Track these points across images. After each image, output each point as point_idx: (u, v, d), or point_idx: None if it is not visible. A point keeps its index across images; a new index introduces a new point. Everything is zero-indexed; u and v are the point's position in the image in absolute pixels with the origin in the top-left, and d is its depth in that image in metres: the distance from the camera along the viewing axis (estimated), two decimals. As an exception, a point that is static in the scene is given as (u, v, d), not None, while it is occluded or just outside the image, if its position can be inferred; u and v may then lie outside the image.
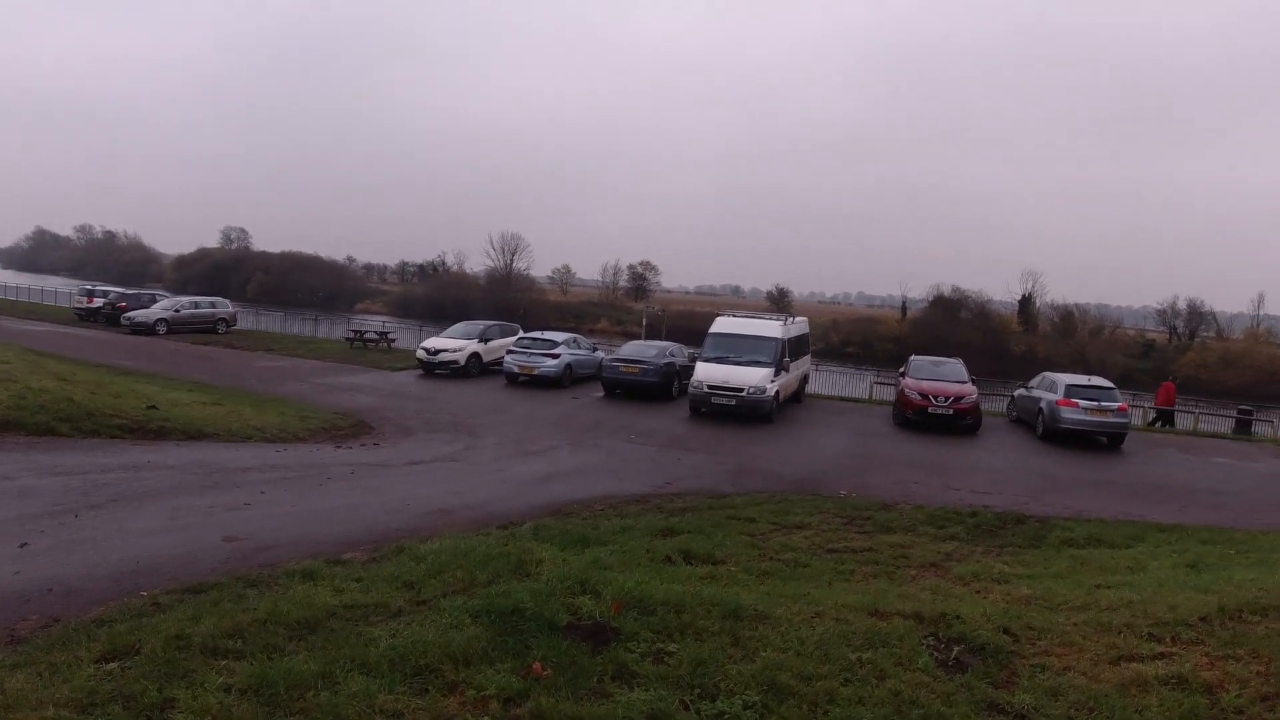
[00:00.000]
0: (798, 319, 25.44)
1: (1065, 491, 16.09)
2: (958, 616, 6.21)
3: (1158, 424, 28.35)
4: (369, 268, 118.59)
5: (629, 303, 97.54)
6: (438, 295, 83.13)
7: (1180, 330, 78.85)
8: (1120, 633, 6.22)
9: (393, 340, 34.66)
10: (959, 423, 21.65)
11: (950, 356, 26.10)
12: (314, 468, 12.80)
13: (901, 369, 24.71)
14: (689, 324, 78.17)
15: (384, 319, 64.43)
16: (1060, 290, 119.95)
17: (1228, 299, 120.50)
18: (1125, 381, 51.14)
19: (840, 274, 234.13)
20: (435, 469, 13.61)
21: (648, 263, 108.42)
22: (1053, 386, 22.29)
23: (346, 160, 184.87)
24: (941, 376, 23.12)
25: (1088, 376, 23.33)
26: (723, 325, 23.45)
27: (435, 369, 26.43)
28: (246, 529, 8.75)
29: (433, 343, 27.31)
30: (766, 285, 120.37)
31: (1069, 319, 76.97)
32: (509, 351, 26.03)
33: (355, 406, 19.77)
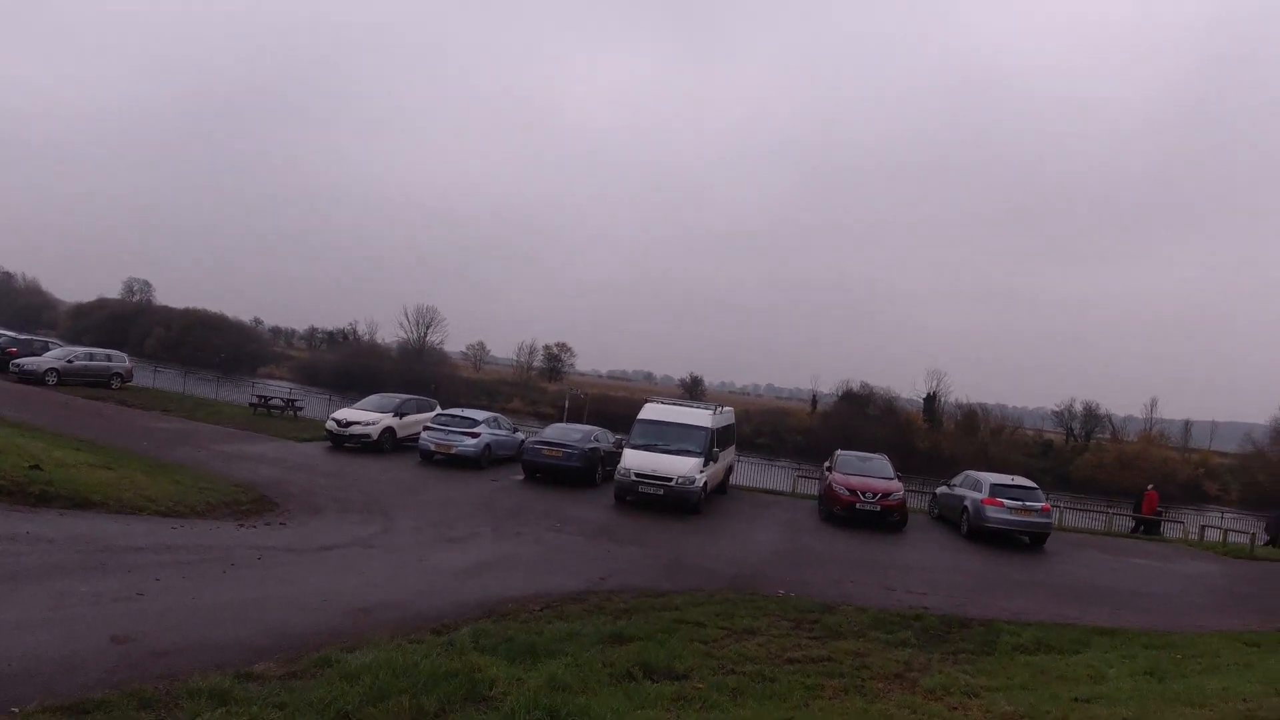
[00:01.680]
0: (725, 408, 25.07)
1: (998, 592, 15.92)
2: None
3: (1140, 530, 28.52)
4: (276, 331, 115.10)
5: (543, 383, 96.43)
6: (347, 364, 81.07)
7: (1076, 431, 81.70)
8: None
9: (299, 409, 32.99)
10: (886, 519, 21.40)
11: (874, 453, 26.04)
12: (215, 550, 11.61)
13: (827, 464, 24.51)
14: (603, 407, 78.00)
15: (289, 385, 62.06)
16: (963, 389, 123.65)
17: (1122, 403, 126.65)
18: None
19: (750, 365, 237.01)
20: (350, 556, 12.49)
21: (563, 344, 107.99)
22: (977, 485, 22.31)
23: (261, 219, 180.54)
24: (868, 472, 22.96)
25: (1011, 476, 23.47)
26: (652, 412, 22.88)
27: (345, 442, 25.05)
28: (139, 626, 7.67)
29: (344, 414, 25.94)
30: (678, 372, 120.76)
31: (972, 418, 79.09)
32: (426, 428, 24.86)
33: (258, 479, 18.37)
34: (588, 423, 31.09)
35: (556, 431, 24.63)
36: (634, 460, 20.57)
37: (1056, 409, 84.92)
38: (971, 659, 10.61)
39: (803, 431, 75.65)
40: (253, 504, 15.74)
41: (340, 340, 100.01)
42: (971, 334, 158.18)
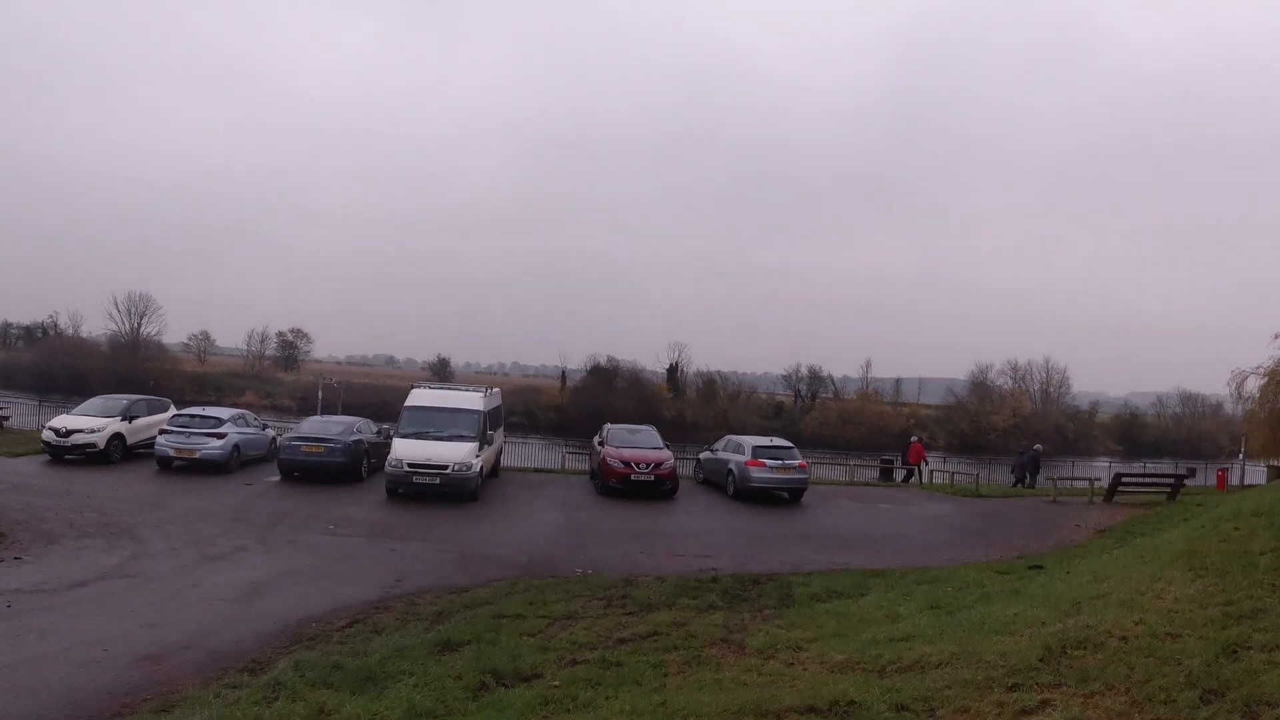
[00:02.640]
0: (493, 390, 24.49)
1: (774, 547, 16.80)
2: (851, 702, 6.01)
3: (911, 479, 30.54)
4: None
5: (278, 373, 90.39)
6: (48, 363, 71.66)
7: (804, 393, 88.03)
8: (989, 688, 6.32)
9: (5, 419, 28.76)
10: (660, 488, 21.91)
11: (640, 425, 26.58)
12: None
13: (597, 438, 24.69)
14: (349, 397, 74.38)
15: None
16: (703, 359, 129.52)
17: (841, 365, 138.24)
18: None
19: (495, 344, 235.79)
20: (110, 591, 10.84)
21: (299, 330, 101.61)
22: (739, 449, 23.37)
23: None
24: (639, 444, 23.38)
25: (769, 438, 24.76)
26: (420, 398, 21.92)
27: (66, 453, 21.86)
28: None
29: (63, 422, 22.59)
30: (421, 354, 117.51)
31: (711, 385, 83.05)
32: (162, 431, 22.26)
33: None
34: (342, 414, 29.28)
35: (314, 426, 22.88)
36: (405, 450, 19.63)
37: (785, 373, 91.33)
38: (777, 613, 11.04)
39: (554, 408, 76.17)
40: None
41: (39, 336, 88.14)
42: (707, 306, 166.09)
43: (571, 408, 71.53)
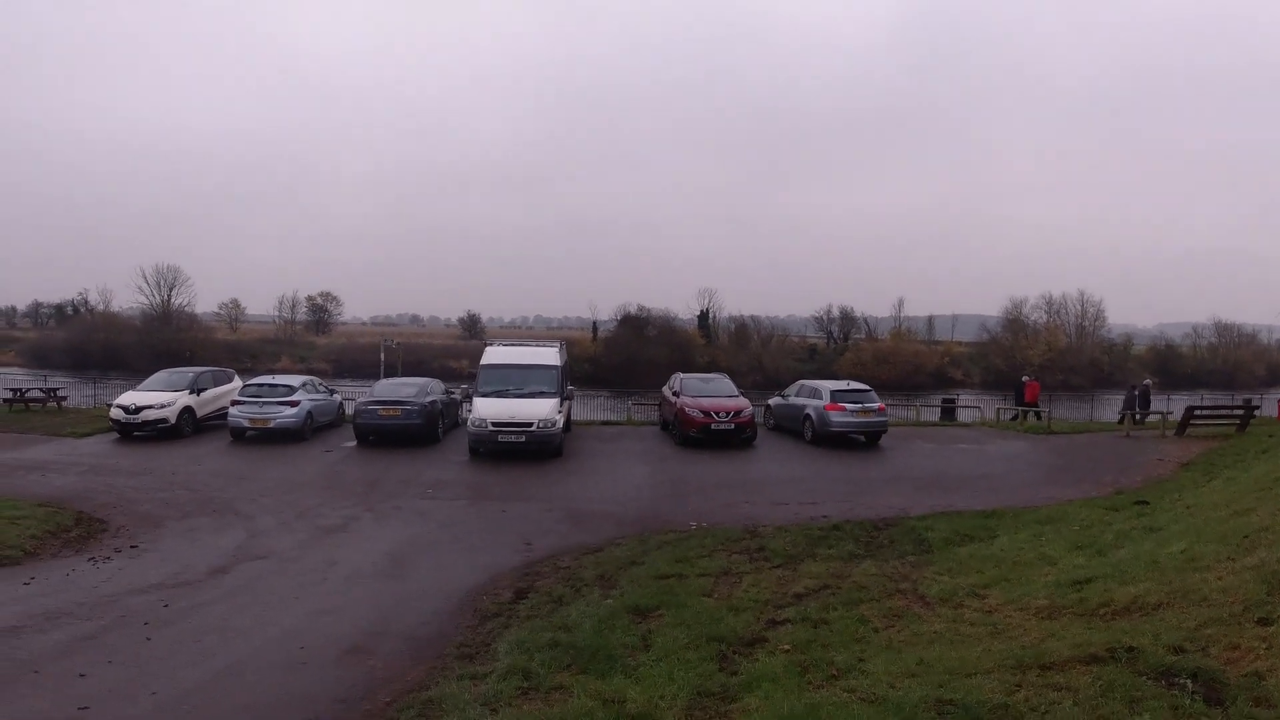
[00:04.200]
0: (560, 344, 24.09)
1: (872, 492, 16.48)
2: (1130, 648, 5.71)
3: (1027, 417, 29.14)
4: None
5: (310, 337, 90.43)
6: (82, 340, 71.43)
7: (836, 335, 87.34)
8: (1237, 624, 6.16)
9: (63, 399, 28.65)
10: (740, 436, 21.58)
11: (711, 373, 26.24)
12: (103, 608, 8.93)
13: (669, 388, 24.31)
14: (377, 357, 74.28)
15: (24, 371, 54.48)
16: (733, 304, 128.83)
17: (873, 305, 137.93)
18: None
19: (516, 298, 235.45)
20: (253, 577, 10.37)
21: (328, 293, 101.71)
22: (816, 394, 22.97)
23: None
24: (715, 393, 23.01)
25: (846, 382, 24.32)
26: (496, 355, 21.55)
27: (136, 430, 21.66)
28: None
29: (131, 398, 22.26)
30: (445, 312, 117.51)
31: (744, 330, 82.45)
32: (234, 402, 22.04)
33: (59, 492, 15.31)
34: (403, 375, 28.99)
35: (387, 388, 22.53)
36: (488, 409, 19.31)
37: (816, 315, 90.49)
38: (922, 559, 10.79)
39: (588, 359, 75.72)
40: (80, 528, 12.97)
41: (70, 314, 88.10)
42: (735, 251, 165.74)
43: (604, 358, 71.13)
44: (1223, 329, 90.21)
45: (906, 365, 74.76)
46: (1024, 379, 31.36)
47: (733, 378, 26.11)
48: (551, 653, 6.60)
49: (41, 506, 13.84)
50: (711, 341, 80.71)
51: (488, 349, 22.24)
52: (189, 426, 22.38)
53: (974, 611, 7.84)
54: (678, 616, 7.73)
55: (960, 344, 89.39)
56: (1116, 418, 27.87)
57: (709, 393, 22.94)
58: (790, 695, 5.42)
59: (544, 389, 20.11)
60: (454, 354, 76.47)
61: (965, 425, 29.77)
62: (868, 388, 23.58)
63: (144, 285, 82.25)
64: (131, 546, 11.84)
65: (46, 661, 7.30)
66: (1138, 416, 26.79)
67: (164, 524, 13.29)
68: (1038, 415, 29.07)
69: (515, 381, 20.32)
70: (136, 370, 57.81)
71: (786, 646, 6.79)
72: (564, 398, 20.49)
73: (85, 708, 6.29)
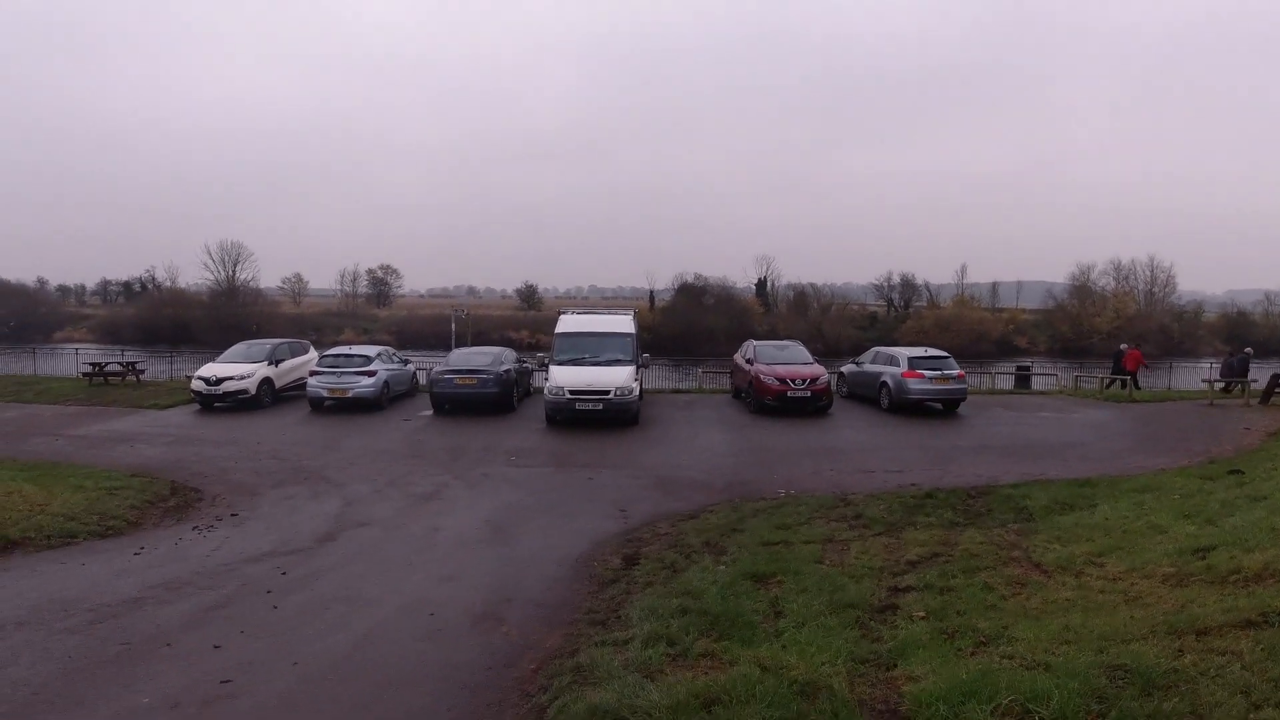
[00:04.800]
0: (631, 311, 23.98)
1: (959, 460, 16.16)
2: None
3: (1122, 385, 28.47)
4: (64, 290, 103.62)
5: (372, 309, 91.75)
6: (151, 316, 73.62)
7: (896, 302, 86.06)
8: None
9: (141, 371, 29.32)
10: (816, 404, 21.33)
11: (786, 340, 25.99)
12: (220, 578, 8.89)
13: (743, 355, 24.09)
14: (442, 328, 74.93)
15: (95, 347, 55.93)
16: (792, 272, 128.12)
17: (935, 271, 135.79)
18: (858, 352, 54.78)
19: (569, 268, 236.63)
20: (362, 543, 10.36)
21: (388, 266, 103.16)
22: (892, 361, 22.60)
23: (27, 169, 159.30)
24: (790, 359, 22.77)
25: (924, 349, 23.87)
26: (571, 324, 21.54)
27: (216, 401, 22.14)
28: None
29: (212, 370, 22.72)
30: (500, 284, 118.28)
31: (803, 298, 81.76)
32: (312, 373, 22.35)
33: (151, 463, 15.59)
34: (473, 344, 29.19)
35: (461, 358, 22.64)
36: (565, 377, 19.30)
37: (876, 282, 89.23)
38: (1027, 527, 10.55)
39: (646, 328, 75.62)
40: (176, 497, 13.13)
41: (139, 290, 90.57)
42: (793, 218, 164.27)
43: (662, 327, 70.83)
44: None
45: (969, 333, 73.34)
46: (1122, 346, 30.38)
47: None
48: (685, 619, 6.47)
49: (135, 477, 14.05)
50: (770, 310, 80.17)
51: (562, 317, 22.22)
52: (268, 397, 22.78)
53: (1098, 580, 7.61)
54: (798, 583, 7.59)
55: (1025, 311, 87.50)
56: (1220, 386, 26.65)
57: (784, 360, 22.69)
58: (949, 662, 5.25)
59: (619, 356, 20.05)
60: (513, 324, 77.02)
61: (1043, 394, 29.16)
62: (946, 354, 23.12)
63: (209, 261, 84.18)
64: (232, 515, 11.95)
65: (177, 633, 7.22)
66: (1242, 386, 25.85)
67: (259, 492, 13.44)
68: (1136, 384, 28.31)
69: (590, 349, 20.30)
70: (205, 344, 59.11)
71: (921, 614, 6.62)
72: (639, 365, 20.39)
73: (227, 681, 6.17)
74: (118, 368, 28.74)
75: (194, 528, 11.22)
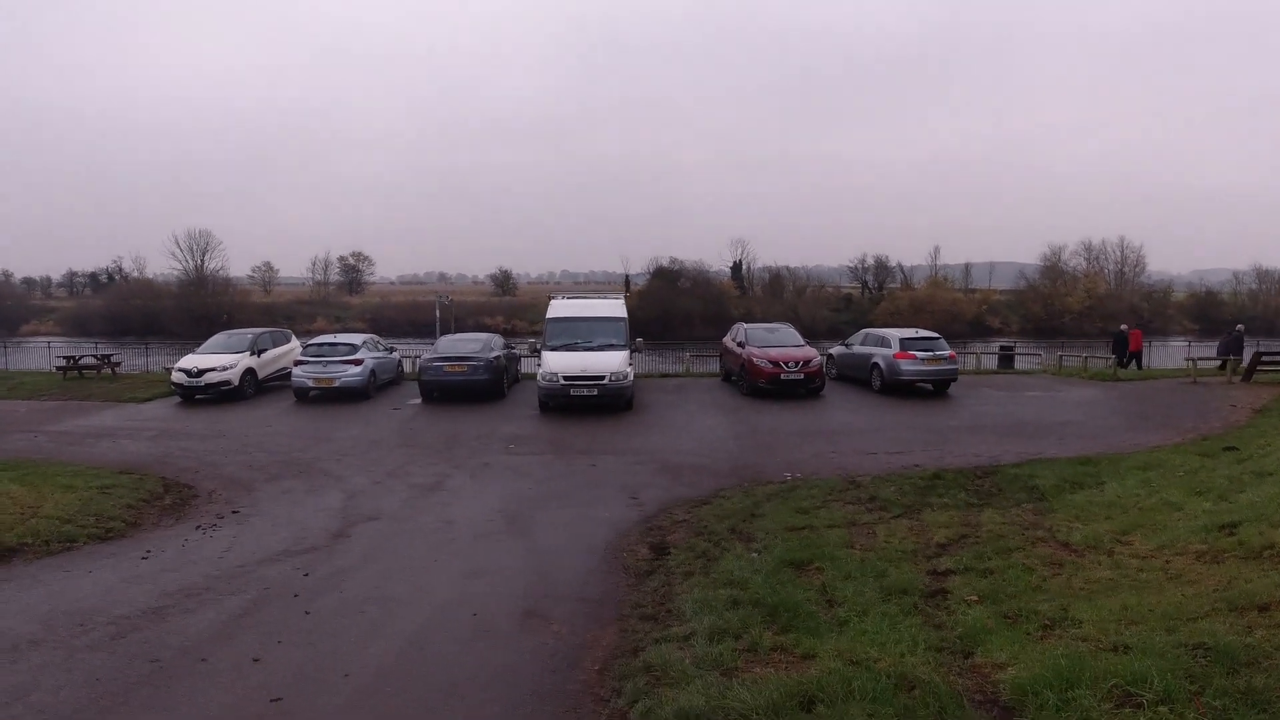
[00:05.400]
0: (622, 296, 23.74)
1: (958, 440, 16.14)
2: None
3: (1125, 365, 28.69)
4: (29, 282, 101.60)
5: (344, 297, 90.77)
6: (119, 308, 72.26)
7: (871, 284, 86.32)
8: None
9: (117, 364, 28.64)
10: (808, 386, 21.25)
11: (777, 323, 25.93)
12: (238, 580, 8.41)
13: (732, 339, 23.94)
14: (414, 316, 74.22)
15: (64, 340, 54.72)
16: (767, 255, 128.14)
17: (908, 253, 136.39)
18: (834, 334, 54.94)
19: (541, 254, 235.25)
20: (377, 538, 9.93)
21: (360, 253, 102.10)
22: (882, 342, 22.57)
23: None
24: (782, 342, 22.65)
25: (914, 330, 23.81)
26: (562, 309, 21.25)
27: (198, 393, 21.55)
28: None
29: (192, 361, 22.06)
30: (470, 270, 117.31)
31: (778, 280, 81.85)
32: (297, 362, 21.88)
33: (137, 459, 15.04)
34: (455, 331, 28.79)
35: (449, 345, 22.28)
36: (558, 363, 19.04)
37: (851, 264, 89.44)
38: (1041, 506, 10.56)
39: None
40: (170, 495, 12.55)
41: (106, 282, 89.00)
42: (767, 202, 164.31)
43: (639, 310, 70.24)
44: (1263, 275, 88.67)
45: (943, 314, 73.73)
46: (1123, 328, 30.50)
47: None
48: (740, 612, 6.28)
49: (125, 474, 13.51)
50: (746, 293, 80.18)
51: (553, 302, 21.94)
52: (251, 388, 22.31)
53: (1131, 558, 7.60)
54: (839, 569, 7.45)
55: (997, 292, 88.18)
56: (1216, 364, 26.69)
57: (775, 342, 22.57)
58: (1026, 648, 5.12)
59: (612, 341, 19.85)
60: (488, 310, 76.44)
61: (1027, 373, 29.32)
62: (937, 335, 23.15)
63: (177, 251, 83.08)
64: (233, 512, 11.48)
65: (209, 646, 6.73)
66: (1235, 363, 26.08)
67: (255, 487, 12.98)
68: (1139, 363, 28.49)
69: (583, 334, 20.06)
70: (175, 335, 58.18)
71: (974, 597, 6.52)
72: (633, 350, 20.19)
73: (278, 699, 5.73)
74: (93, 361, 28.04)
75: (197, 527, 10.73)
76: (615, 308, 21.23)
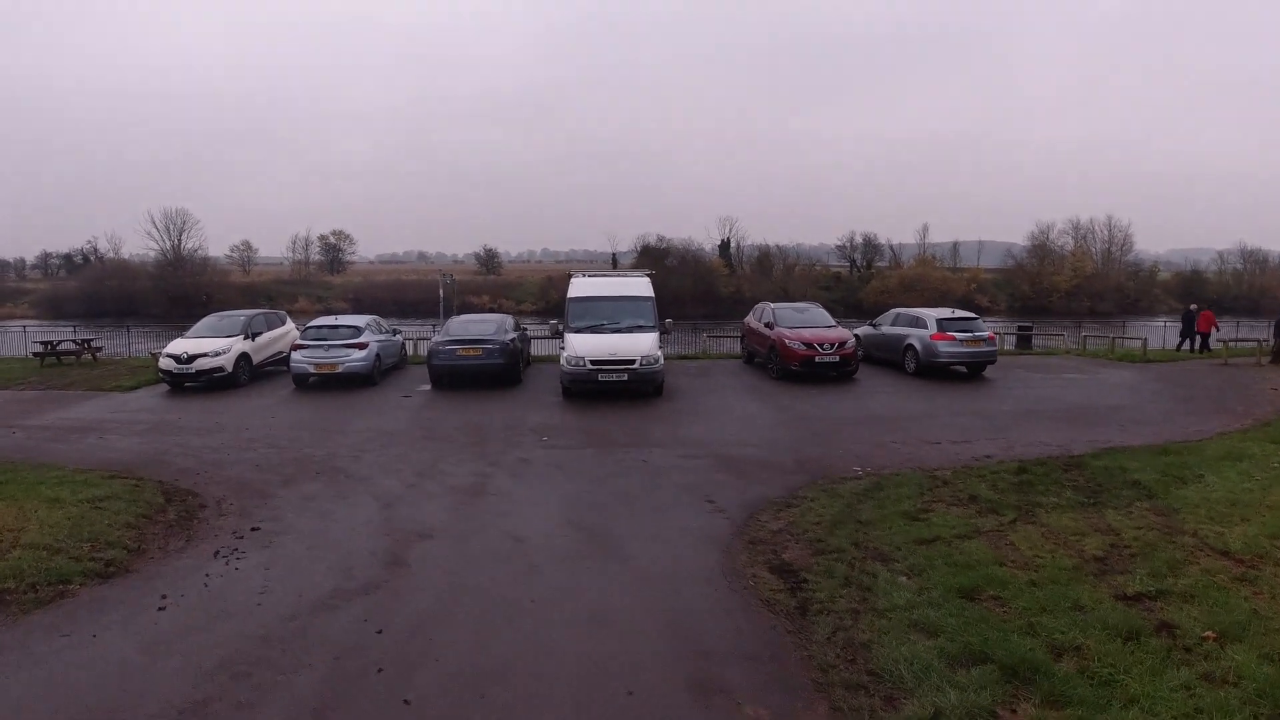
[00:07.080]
0: (646, 273, 22.34)
1: (1015, 428, 15.25)
2: None
3: (1195, 347, 28.11)
4: (2, 265, 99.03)
5: (325, 276, 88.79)
6: (95, 289, 70.22)
7: (859, 262, 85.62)
8: None
9: (99, 350, 26.96)
10: (843, 369, 20.14)
11: (806, 302, 24.85)
12: (294, 644, 6.42)
13: (759, 319, 22.74)
14: (398, 295, 72.49)
15: (38, 323, 52.70)
16: (756, 233, 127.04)
17: (897, 231, 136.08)
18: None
19: (521, 232, 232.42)
20: (449, 572, 8.02)
21: (341, 232, 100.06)
22: (917, 322, 21.51)
23: None
24: (813, 323, 21.47)
25: (951, 310, 22.70)
26: (584, 288, 19.88)
27: (188, 381, 19.97)
28: None
29: (181, 346, 20.36)
30: (450, 248, 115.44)
31: (767, 259, 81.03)
32: (296, 346, 20.37)
33: (127, 458, 13.26)
34: (447, 313, 27.44)
35: (461, 326, 20.86)
36: (585, 346, 17.73)
37: (839, 243, 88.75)
38: (1160, 505, 9.57)
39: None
40: (174, 507, 10.48)
41: (81, 263, 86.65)
42: (756, 180, 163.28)
43: (626, 290, 69.33)
44: (1249, 255, 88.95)
45: (932, 292, 73.16)
46: (1192, 307, 29.55)
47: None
48: (971, 674, 5.07)
49: (115, 478, 11.66)
50: (735, 271, 79.26)
51: (574, 280, 20.53)
52: (246, 375, 20.81)
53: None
54: (1022, 600, 6.34)
55: (985, 270, 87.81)
56: (1271, 345, 25.72)
57: (806, 323, 21.39)
58: None
59: (641, 322, 18.59)
60: (474, 289, 74.79)
61: (1049, 353, 28.45)
62: (975, 315, 22.13)
63: (153, 230, 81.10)
64: (253, 529, 9.61)
65: None
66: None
67: (270, 493, 11.22)
68: (1206, 345, 27.65)
69: (608, 315, 18.78)
70: (153, 317, 56.19)
71: (1210, 634, 5.45)
72: (662, 331, 18.93)
73: None
74: (72, 346, 26.36)
75: (216, 553, 8.75)
76: (643, 286, 19.92)
